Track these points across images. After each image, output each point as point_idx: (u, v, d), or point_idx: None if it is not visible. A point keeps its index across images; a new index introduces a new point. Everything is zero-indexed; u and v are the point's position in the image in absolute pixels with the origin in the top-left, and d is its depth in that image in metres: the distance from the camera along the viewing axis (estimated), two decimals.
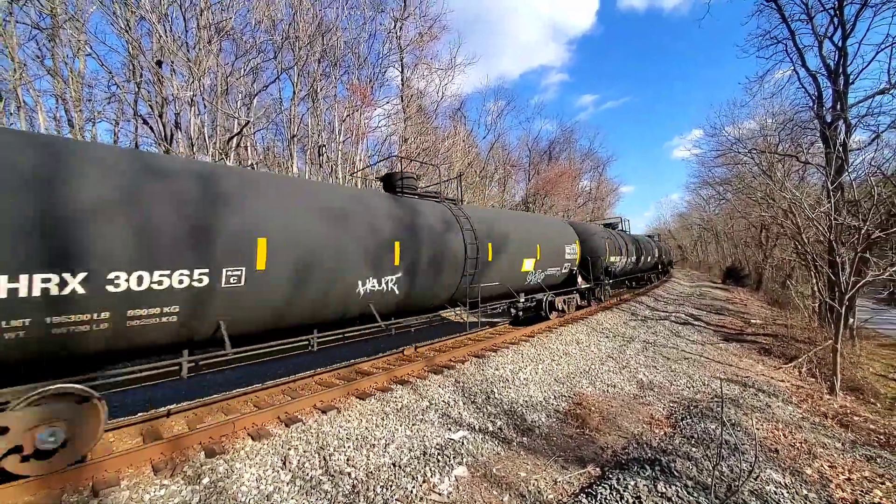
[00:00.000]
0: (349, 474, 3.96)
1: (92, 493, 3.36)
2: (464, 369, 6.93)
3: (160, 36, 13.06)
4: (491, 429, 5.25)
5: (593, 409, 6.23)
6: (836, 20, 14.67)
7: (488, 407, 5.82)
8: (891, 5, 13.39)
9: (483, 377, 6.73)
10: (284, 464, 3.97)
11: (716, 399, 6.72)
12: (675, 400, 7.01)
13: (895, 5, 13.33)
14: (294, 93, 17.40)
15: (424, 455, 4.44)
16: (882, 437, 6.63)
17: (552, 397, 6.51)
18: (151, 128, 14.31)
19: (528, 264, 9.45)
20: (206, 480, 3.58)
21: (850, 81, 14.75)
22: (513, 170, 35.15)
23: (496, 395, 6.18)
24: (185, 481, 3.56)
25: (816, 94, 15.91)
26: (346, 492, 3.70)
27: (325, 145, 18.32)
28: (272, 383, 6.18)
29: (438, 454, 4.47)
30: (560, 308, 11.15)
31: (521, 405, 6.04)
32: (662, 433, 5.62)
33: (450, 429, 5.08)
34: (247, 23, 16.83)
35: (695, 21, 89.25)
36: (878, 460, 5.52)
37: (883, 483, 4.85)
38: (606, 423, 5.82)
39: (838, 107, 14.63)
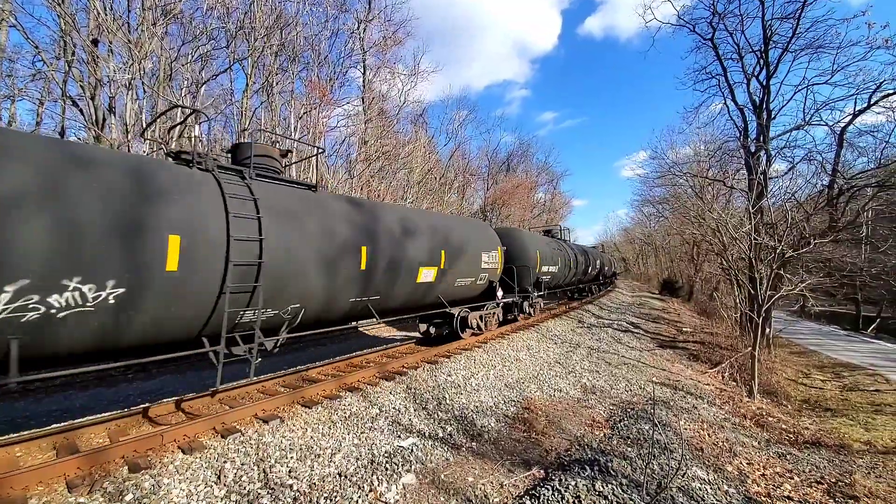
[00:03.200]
0: (291, 486, 3.78)
1: None
2: (416, 375, 6.89)
3: (98, 13, 11.95)
4: (441, 435, 5.25)
5: (540, 413, 6.44)
6: (762, 61, 16.57)
7: (439, 413, 5.83)
8: (807, 52, 15.35)
9: (435, 383, 6.73)
10: (219, 478, 3.72)
11: (650, 402, 7.21)
12: (614, 403, 7.42)
13: (811, 52, 15.29)
14: (247, 85, 16.59)
15: (372, 463, 4.35)
16: (792, 435, 7.44)
17: (502, 402, 6.64)
18: (81, 110, 12.98)
19: (426, 274, 7.53)
20: (129, 497, 3.26)
21: (773, 116, 16.70)
22: (472, 178, 35.79)
23: (447, 401, 6.21)
24: (105, 498, 3.22)
25: (743, 126, 17.82)
26: None
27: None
28: (198, 395, 5.77)
29: (387, 462, 4.40)
30: (474, 325, 9.47)
31: (472, 410, 6.11)
32: (602, 435, 5.93)
33: (399, 436, 5.03)
34: (197, 7, 15.86)
35: (641, 52, 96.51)
36: (789, 457, 6.19)
37: (792, 478, 5.44)
38: (552, 426, 6.04)
39: (761, 139, 16.47)
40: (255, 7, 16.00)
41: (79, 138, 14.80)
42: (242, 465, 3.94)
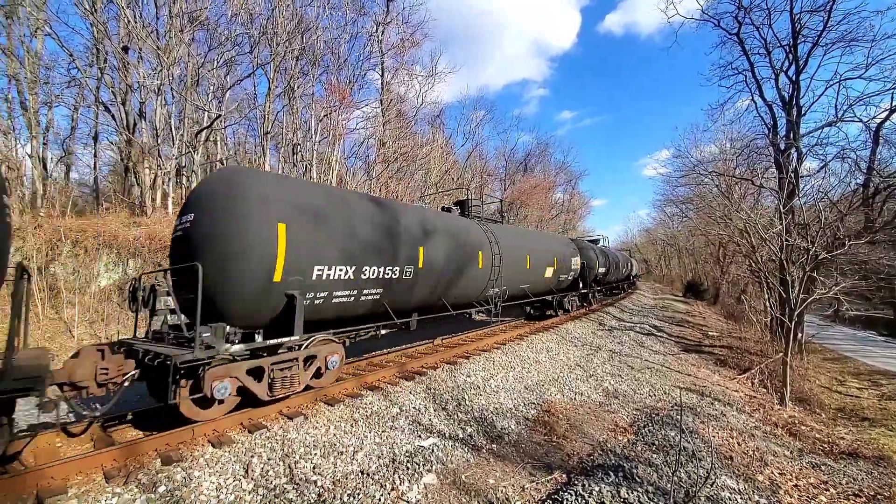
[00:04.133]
0: (315, 482, 3.84)
1: (36, 501, 3.09)
2: (435, 376, 6.90)
3: (128, 21, 12.45)
4: (461, 436, 5.24)
5: (561, 416, 6.35)
6: (790, 56, 15.92)
7: (459, 414, 5.82)
8: (839, 45, 14.67)
9: (455, 384, 6.72)
10: (247, 472, 3.80)
11: (676, 407, 7.01)
12: (638, 408, 7.25)
13: (843, 45, 14.61)
14: (269, 89, 16.98)
15: (393, 462, 4.38)
16: (826, 445, 7.11)
17: (522, 404, 6.58)
18: (113, 115, 13.55)
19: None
20: (161, 489, 3.38)
21: (803, 113, 16.01)
22: (489, 179, 35.66)
23: (467, 402, 6.19)
24: (140, 489, 3.34)
25: (772, 123, 17.15)
26: (312, 500, 3.59)
27: (299, 144, 17.95)
28: None
29: (408, 461, 4.41)
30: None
31: (492, 412, 6.07)
32: (626, 440, 5.80)
33: (420, 436, 5.04)
34: (222, 14, 16.34)
35: (664, 49, 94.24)
36: (823, 468, 5.91)
37: (827, 490, 5.20)
38: (573, 430, 5.94)
39: (791, 136, 15.82)
40: (277, 13, 16.36)
41: (111, 142, 15.45)
42: (269, 459, 4.02)
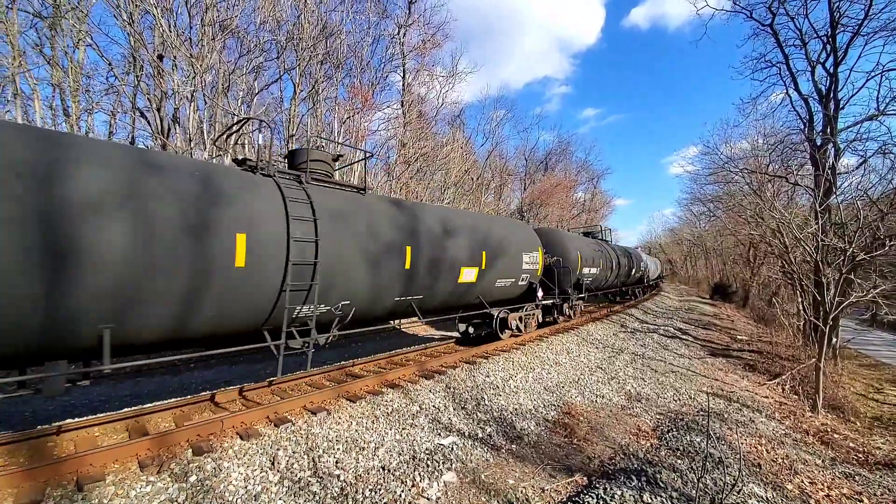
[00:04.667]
0: (338, 476, 3.95)
1: (76, 487, 3.31)
2: (455, 375, 6.95)
3: (163, 30, 13.03)
4: (480, 435, 5.27)
5: (582, 418, 6.29)
6: (828, 47, 15.17)
7: (478, 413, 5.85)
8: (882, 34, 13.87)
9: (474, 383, 6.75)
10: (273, 464, 3.95)
11: (701, 412, 6.82)
12: (661, 412, 7.09)
13: (886, 34, 13.81)
14: (295, 93, 17.42)
15: (414, 459, 4.45)
16: (861, 455, 6.78)
17: (542, 406, 6.55)
18: (149, 121, 14.21)
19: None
20: (193, 478, 3.55)
21: (841, 107, 15.21)
22: (509, 178, 35.42)
23: (486, 402, 6.21)
24: (172, 478, 3.53)
25: (807, 117, 16.38)
26: (335, 494, 3.70)
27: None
28: (257, 385, 6.13)
29: (428, 459, 4.48)
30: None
31: (511, 412, 6.08)
32: (649, 444, 5.69)
33: (440, 434, 5.10)
34: (251, 22, 16.85)
35: (692, 42, 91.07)
36: (857, 478, 5.64)
37: (861, 500, 4.96)
38: (594, 432, 5.87)
39: (828, 131, 15.06)
40: (303, 18, 16.77)
41: (146, 146, 16.20)
42: (294, 453, 4.17)
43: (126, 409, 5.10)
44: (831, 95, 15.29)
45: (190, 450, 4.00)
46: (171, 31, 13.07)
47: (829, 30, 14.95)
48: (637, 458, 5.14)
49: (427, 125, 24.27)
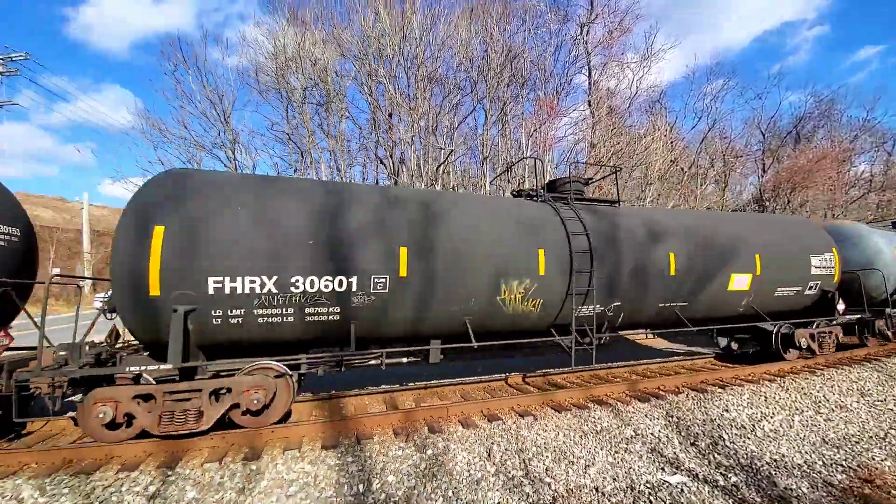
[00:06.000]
0: (549, 485, 3.94)
1: (356, 440, 4.46)
2: (678, 402, 5.91)
3: (391, 94, 16.65)
4: (721, 483, 4.27)
5: (894, 491, 4.27)
6: None
7: (715, 455, 4.77)
8: None
9: (706, 417, 5.57)
10: (489, 456, 4.29)
11: None
12: None
13: None
14: (486, 119, 19.06)
15: (632, 490, 4.00)
16: None
17: (819, 463, 4.80)
18: (385, 166, 18.32)
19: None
20: (429, 452, 4.24)
21: None
22: (736, 161, 28.23)
23: (727, 443, 5.01)
24: (415, 448, 4.31)
25: None
26: (547, 501, 3.70)
27: (512, 162, 19.28)
28: (473, 379, 6.80)
29: (650, 493, 3.94)
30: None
31: (768, 464, 4.69)
32: None
33: (663, 469, 4.41)
34: (449, 67, 19.57)
35: None
36: None
37: None
38: None
39: None
40: (490, 50, 18.33)
41: (384, 185, 20.84)
42: (506, 450, 4.41)
43: (384, 386, 6.57)
44: None
45: (426, 427, 4.79)
46: (395, 93, 16.56)
47: None
48: None
49: (619, 120, 22.17)
